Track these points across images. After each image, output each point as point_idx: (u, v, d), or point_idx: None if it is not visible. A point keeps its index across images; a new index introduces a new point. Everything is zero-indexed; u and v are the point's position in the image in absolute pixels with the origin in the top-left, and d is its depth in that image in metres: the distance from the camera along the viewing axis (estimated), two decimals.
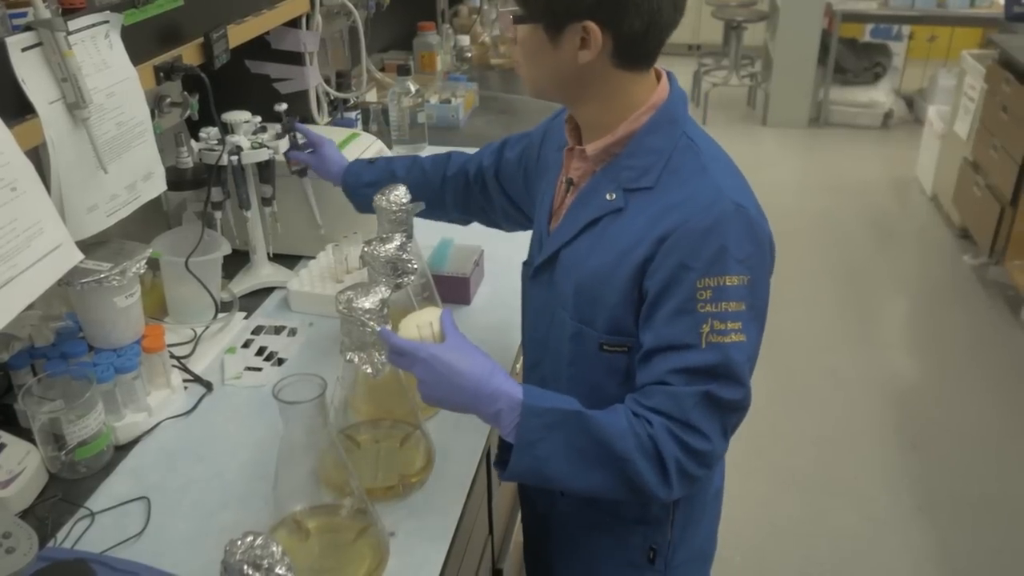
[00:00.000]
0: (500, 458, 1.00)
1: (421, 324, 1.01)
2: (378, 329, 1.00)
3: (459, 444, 1.21)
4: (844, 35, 5.41)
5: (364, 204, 1.40)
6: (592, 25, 0.95)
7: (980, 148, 3.74)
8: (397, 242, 1.17)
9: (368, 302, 1.01)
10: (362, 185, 1.42)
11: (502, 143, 1.39)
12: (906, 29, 5.74)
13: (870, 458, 2.70)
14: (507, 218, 1.40)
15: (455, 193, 1.40)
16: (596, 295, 1.03)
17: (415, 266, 1.17)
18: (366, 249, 1.16)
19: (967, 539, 2.42)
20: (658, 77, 1.07)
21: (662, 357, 0.96)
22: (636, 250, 0.98)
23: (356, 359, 1.02)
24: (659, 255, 0.96)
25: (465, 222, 1.48)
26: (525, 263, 1.24)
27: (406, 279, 1.17)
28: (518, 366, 1.43)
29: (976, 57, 3.93)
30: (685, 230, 0.95)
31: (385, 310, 1.02)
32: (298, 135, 1.52)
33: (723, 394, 0.95)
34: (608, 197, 1.03)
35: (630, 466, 0.94)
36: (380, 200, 1.27)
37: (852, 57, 5.49)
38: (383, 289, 1.03)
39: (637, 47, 0.99)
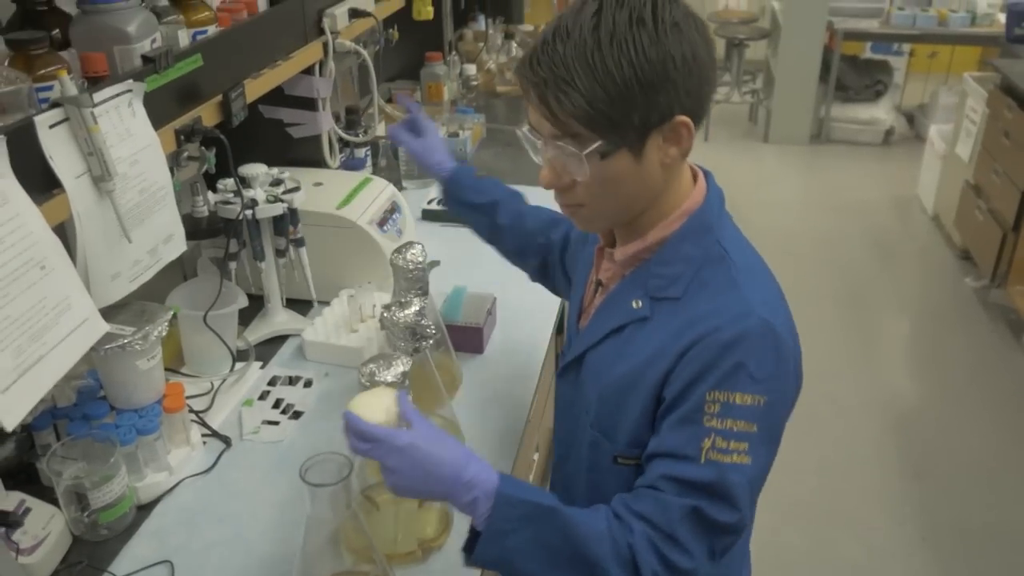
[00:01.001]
0: (468, 543, 0.94)
1: (387, 408, 0.95)
2: (343, 412, 0.95)
3: None
4: (845, 52, 5.44)
5: (456, 212, 1.44)
6: (684, 118, 0.92)
7: (982, 172, 3.76)
8: (416, 307, 1.19)
9: (390, 375, 1.03)
10: (462, 203, 1.41)
11: (566, 228, 1.36)
12: (907, 45, 5.77)
13: (872, 487, 2.72)
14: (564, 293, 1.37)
15: (537, 255, 1.37)
16: (618, 406, 1.00)
17: (433, 331, 1.19)
18: (385, 315, 1.18)
19: (972, 571, 2.44)
20: (694, 176, 1.04)
21: (659, 462, 0.92)
22: (659, 363, 0.95)
23: None
24: (679, 366, 0.93)
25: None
26: (560, 356, 1.24)
27: (424, 344, 1.18)
28: (530, 416, 1.45)
29: (978, 80, 3.95)
30: (707, 342, 0.91)
31: (406, 383, 1.04)
32: (405, 111, 1.51)
33: (714, 514, 0.89)
34: (634, 305, 1.00)
35: (600, 572, 0.88)
36: (396, 259, 1.29)
37: (853, 74, 5.52)
38: (405, 360, 1.05)
39: (700, 123, 0.96)
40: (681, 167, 1.00)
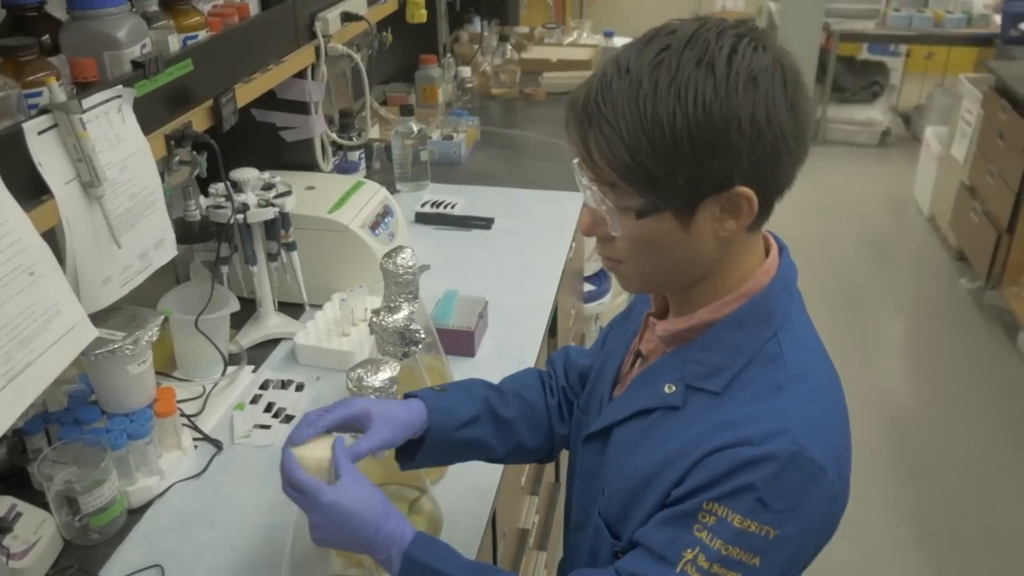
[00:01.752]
0: None
1: (321, 460, 0.92)
2: (283, 450, 0.92)
3: (464, 508, 1.23)
4: (842, 53, 5.45)
5: (463, 451, 1.09)
6: (746, 191, 0.78)
7: (977, 173, 3.77)
8: (405, 312, 1.19)
9: (377, 381, 1.03)
10: (462, 425, 1.06)
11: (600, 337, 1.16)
12: (903, 46, 5.78)
13: (867, 489, 2.73)
14: None
15: (560, 416, 1.16)
16: (627, 502, 0.89)
17: (423, 336, 1.19)
18: (374, 319, 1.18)
19: (965, 573, 2.44)
20: (767, 247, 0.90)
21: (637, 555, 0.84)
22: (678, 464, 0.83)
23: None
24: (694, 469, 0.81)
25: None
26: (579, 408, 1.08)
27: (413, 348, 1.19)
28: None
29: (973, 81, 3.96)
30: (727, 454, 0.79)
31: (393, 388, 1.04)
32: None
33: None
34: (667, 389, 0.87)
35: None
36: (387, 263, 1.29)
37: (850, 76, 5.52)
38: (393, 366, 1.06)
39: (772, 203, 0.83)
40: (747, 240, 0.86)
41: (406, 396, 1.06)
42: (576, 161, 0.86)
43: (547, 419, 1.14)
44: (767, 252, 0.90)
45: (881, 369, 3.36)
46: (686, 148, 0.76)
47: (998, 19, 4.91)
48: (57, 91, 1.04)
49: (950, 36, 5.17)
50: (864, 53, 5.90)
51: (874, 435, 2.94)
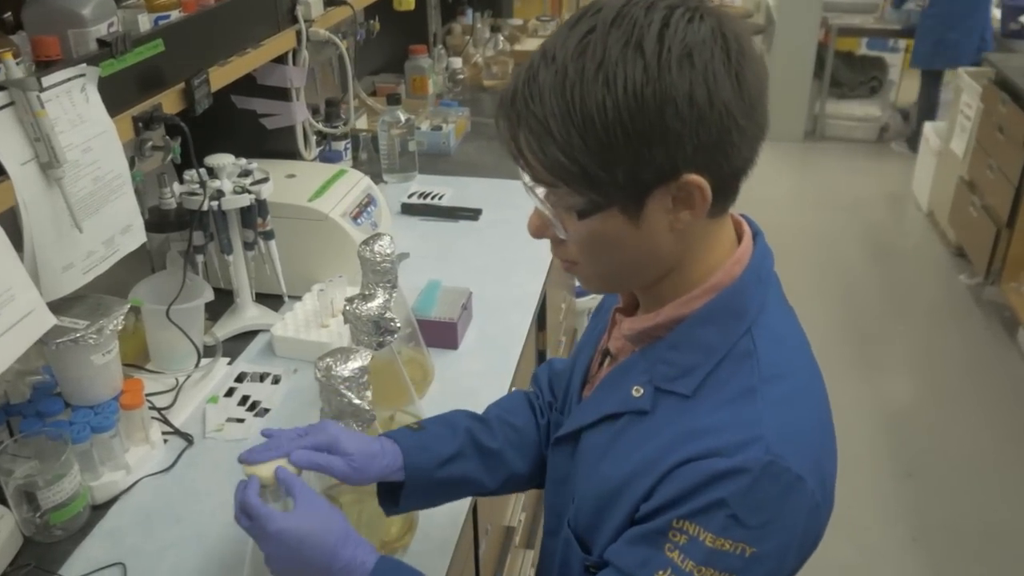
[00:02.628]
0: None
1: (267, 479, 0.86)
2: (243, 478, 0.87)
3: (444, 505, 1.18)
4: (840, 48, 5.40)
5: (448, 490, 1.03)
6: (696, 178, 0.71)
7: (976, 168, 3.72)
8: (380, 300, 1.14)
9: (347, 370, 0.98)
10: (444, 462, 0.99)
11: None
12: (902, 42, 5.73)
13: (865, 486, 2.68)
14: None
15: (549, 428, 1.08)
16: (596, 514, 0.83)
17: (398, 325, 1.14)
18: (348, 308, 1.13)
19: (963, 571, 2.40)
20: (739, 234, 0.83)
21: (606, 573, 0.79)
22: (646, 477, 0.77)
23: None
24: (663, 483, 0.75)
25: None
26: (556, 409, 1.04)
27: (389, 338, 1.14)
28: None
29: (972, 75, 3.92)
30: (696, 467, 0.73)
31: (364, 377, 1.00)
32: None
33: None
34: (635, 392, 0.81)
35: None
36: (364, 251, 1.25)
37: (848, 71, 5.48)
38: (364, 355, 1.01)
39: (733, 186, 0.76)
40: (712, 229, 0.78)
41: (382, 435, 1.00)
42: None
43: (538, 443, 1.06)
44: (740, 238, 0.83)
45: (879, 366, 3.31)
46: (620, 140, 0.69)
47: (997, 14, 4.86)
48: (13, 67, 1.00)
49: None
50: (863, 49, 5.86)
51: (871, 432, 2.89)
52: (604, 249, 0.77)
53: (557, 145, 0.71)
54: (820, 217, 4.48)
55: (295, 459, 0.88)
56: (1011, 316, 3.48)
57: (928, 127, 4.45)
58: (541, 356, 2.04)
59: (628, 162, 0.70)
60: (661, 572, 0.74)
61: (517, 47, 3.24)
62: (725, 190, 0.75)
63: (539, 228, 0.81)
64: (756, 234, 0.84)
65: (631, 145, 0.69)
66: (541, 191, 0.76)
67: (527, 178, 0.77)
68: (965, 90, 3.92)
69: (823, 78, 5.34)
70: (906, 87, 5.87)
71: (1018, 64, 3.56)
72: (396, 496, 0.99)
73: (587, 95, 0.69)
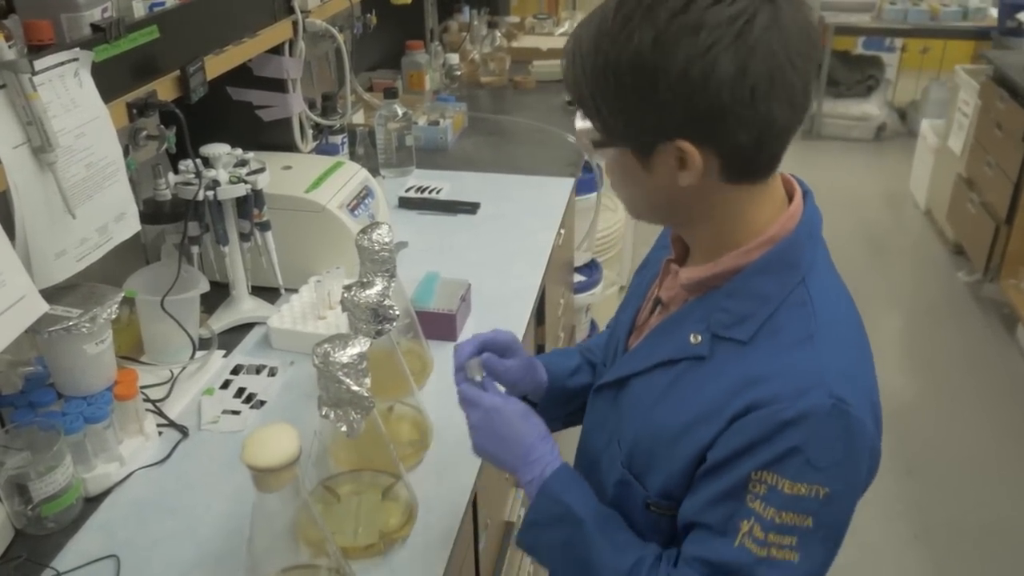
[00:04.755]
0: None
1: (284, 449, 0.85)
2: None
3: (443, 495, 1.17)
4: (837, 48, 5.39)
5: (576, 399, 1.11)
6: (687, 145, 0.77)
7: (974, 164, 3.71)
8: (379, 287, 1.13)
9: (345, 356, 0.96)
10: (572, 373, 1.12)
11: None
12: (899, 41, 5.73)
13: None
14: None
15: None
16: (654, 454, 0.87)
17: (396, 312, 1.13)
18: (346, 295, 1.11)
19: (965, 568, 2.39)
20: (790, 194, 0.87)
21: (696, 535, 0.83)
22: (708, 424, 0.81)
23: (332, 415, 0.98)
24: (728, 431, 0.79)
25: None
26: (600, 363, 1.08)
27: (387, 326, 1.12)
28: None
29: (970, 72, 3.91)
30: (763, 415, 0.77)
31: (364, 364, 0.98)
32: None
33: None
34: (692, 339, 0.85)
35: None
36: (362, 239, 1.23)
37: (845, 70, 5.47)
38: (362, 341, 0.99)
39: (749, 160, 0.80)
40: (744, 191, 0.82)
41: None
42: None
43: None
44: (791, 197, 0.87)
45: (878, 364, 3.24)
46: (622, 95, 0.77)
47: (994, 12, 4.86)
48: (5, 49, 0.98)
49: (946, 29, 5.11)
50: (859, 48, 5.85)
51: None
52: (622, 179, 0.86)
53: (577, 82, 0.80)
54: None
55: (485, 361, 1.02)
56: (1010, 313, 3.47)
57: (925, 125, 4.44)
58: (540, 350, 2.02)
59: (626, 116, 0.78)
60: (745, 522, 0.79)
61: (515, 44, 3.22)
62: (738, 164, 0.79)
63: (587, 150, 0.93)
64: (806, 193, 0.88)
65: (629, 102, 0.77)
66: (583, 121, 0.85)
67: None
68: (963, 87, 3.91)
69: (820, 77, 5.33)
70: (903, 86, 5.87)
71: (1016, 61, 3.55)
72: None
73: (609, 46, 0.76)
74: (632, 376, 0.92)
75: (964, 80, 3.90)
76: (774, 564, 0.78)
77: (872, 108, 5.44)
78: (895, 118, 5.64)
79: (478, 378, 1.01)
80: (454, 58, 2.91)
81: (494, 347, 1.06)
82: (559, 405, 1.11)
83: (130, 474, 1.19)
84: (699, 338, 0.85)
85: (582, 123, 0.84)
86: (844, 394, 0.78)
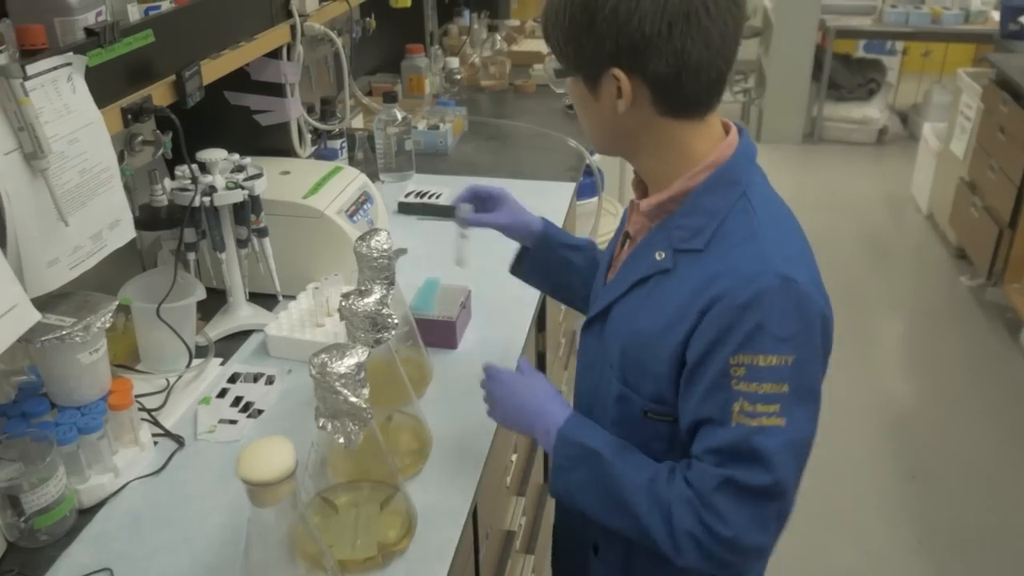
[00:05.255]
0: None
1: (278, 464, 0.82)
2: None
3: (442, 506, 1.15)
4: (838, 51, 5.38)
5: (546, 258, 1.34)
6: (619, 72, 0.93)
7: (977, 168, 3.70)
8: (377, 295, 1.11)
9: (343, 367, 0.94)
10: (562, 244, 1.33)
11: None
12: (900, 44, 5.72)
13: (868, 489, 2.65)
14: None
15: None
16: (641, 361, 1.01)
17: (395, 321, 1.11)
18: (344, 303, 1.10)
19: (968, 575, 2.37)
20: (727, 131, 1.02)
21: (702, 432, 0.95)
22: (682, 322, 0.95)
23: (329, 427, 0.96)
24: (699, 328, 0.93)
25: None
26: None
27: (386, 335, 1.11)
28: None
29: (972, 76, 3.89)
30: (724, 304, 0.91)
31: (361, 374, 0.96)
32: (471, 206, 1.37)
33: (746, 480, 0.90)
34: (657, 257, 1.00)
35: (640, 523, 0.96)
36: (360, 246, 1.21)
37: (846, 73, 5.46)
38: (360, 351, 0.97)
39: (673, 93, 0.95)
40: (679, 124, 0.98)
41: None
42: None
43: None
44: (727, 134, 1.02)
45: (881, 369, 3.28)
46: (573, 27, 0.94)
47: (996, 16, 4.85)
48: None
49: (948, 32, 5.10)
50: (860, 52, 5.84)
51: (874, 436, 2.86)
52: (580, 108, 1.03)
53: (552, 24, 0.97)
54: (819, 219, 4.45)
55: (473, 219, 1.33)
56: (1014, 317, 3.45)
57: (927, 128, 4.43)
58: (541, 357, 2.00)
59: (573, 47, 0.96)
60: (736, 404, 0.91)
61: (515, 48, 3.21)
62: (664, 95, 0.94)
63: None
64: (741, 131, 1.03)
65: (575, 35, 0.94)
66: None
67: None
68: (965, 91, 3.90)
69: (821, 80, 5.32)
70: (904, 90, 5.86)
71: (1019, 64, 3.53)
72: (522, 260, 1.38)
73: None
74: (613, 304, 1.06)
75: (967, 83, 3.88)
76: (766, 431, 0.90)
77: (873, 112, 5.43)
78: (896, 121, 5.63)
79: (468, 217, 1.31)
80: (454, 62, 2.89)
81: (485, 196, 1.35)
82: (539, 264, 1.35)
83: (124, 485, 1.17)
84: (663, 255, 0.99)
85: (549, 59, 1.03)
86: (789, 272, 0.91)
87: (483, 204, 1.38)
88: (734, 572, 1.03)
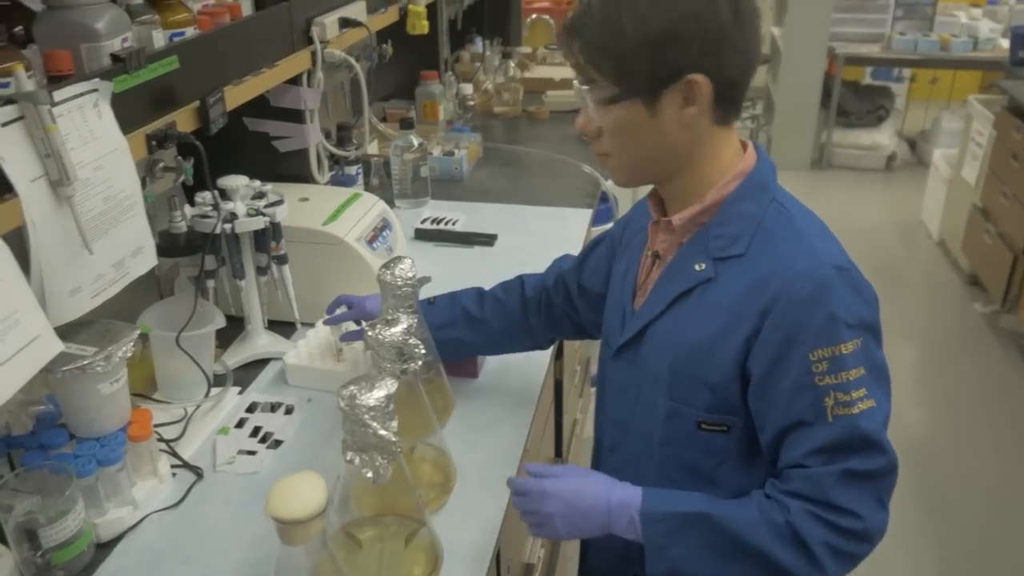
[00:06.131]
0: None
1: (308, 500, 0.80)
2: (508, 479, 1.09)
3: (468, 541, 1.12)
4: (846, 78, 5.39)
5: (447, 349, 1.33)
6: (698, 76, 0.93)
7: (989, 195, 3.68)
8: (403, 325, 1.09)
9: (372, 399, 0.92)
10: (435, 328, 1.31)
11: (585, 248, 1.33)
12: (907, 71, 5.73)
13: (889, 521, 2.60)
14: (595, 322, 1.28)
15: (538, 311, 1.33)
16: (695, 372, 1.00)
17: (422, 351, 1.09)
18: (369, 333, 1.08)
19: None
20: (744, 148, 1.05)
21: (794, 437, 0.94)
22: (739, 326, 0.95)
23: (357, 460, 0.94)
24: (764, 329, 0.93)
25: (550, 343, 1.41)
26: (604, 343, 1.20)
27: (412, 365, 1.08)
28: (528, 445, 1.34)
29: (983, 102, 3.89)
30: (788, 300, 0.92)
31: (391, 407, 0.94)
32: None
33: (865, 466, 0.91)
34: (697, 268, 1.00)
35: (769, 558, 0.93)
36: (384, 274, 1.20)
37: (854, 99, 5.46)
38: (389, 383, 0.95)
39: (732, 97, 0.97)
40: (719, 134, 0.99)
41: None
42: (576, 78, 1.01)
43: (520, 312, 1.33)
44: (745, 151, 1.04)
45: (896, 397, 3.17)
46: (641, 42, 0.92)
47: (1004, 43, 4.86)
48: (24, 80, 0.95)
49: (956, 60, 5.10)
50: (867, 79, 5.85)
51: None
52: (627, 137, 0.99)
53: (595, 44, 0.94)
54: None
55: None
56: None
57: (937, 155, 4.42)
58: (558, 385, 1.98)
59: (648, 61, 0.92)
60: (827, 398, 0.91)
61: (527, 75, 3.21)
62: (725, 97, 0.96)
63: (582, 123, 1.02)
64: (756, 145, 1.05)
65: (651, 47, 0.92)
66: (585, 88, 0.98)
67: (577, 83, 1.00)
68: (976, 117, 3.89)
69: (830, 107, 5.32)
70: (912, 117, 5.86)
71: None
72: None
73: (622, 7, 0.92)
74: (649, 325, 1.05)
75: (978, 110, 3.88)
76: (866, 415, 0.91)
77: (883, 138, 5.43)
78: (905, 148, 5.62)
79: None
80: (467, 88, 2.89)
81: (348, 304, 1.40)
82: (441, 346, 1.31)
83: (143, 518, 1.15)
84: (703, 265, 1.00)
85: (588, 102, 0.99)
86: (840, 262, 0.94)
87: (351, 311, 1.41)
88: None
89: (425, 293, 1.64)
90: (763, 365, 0.94)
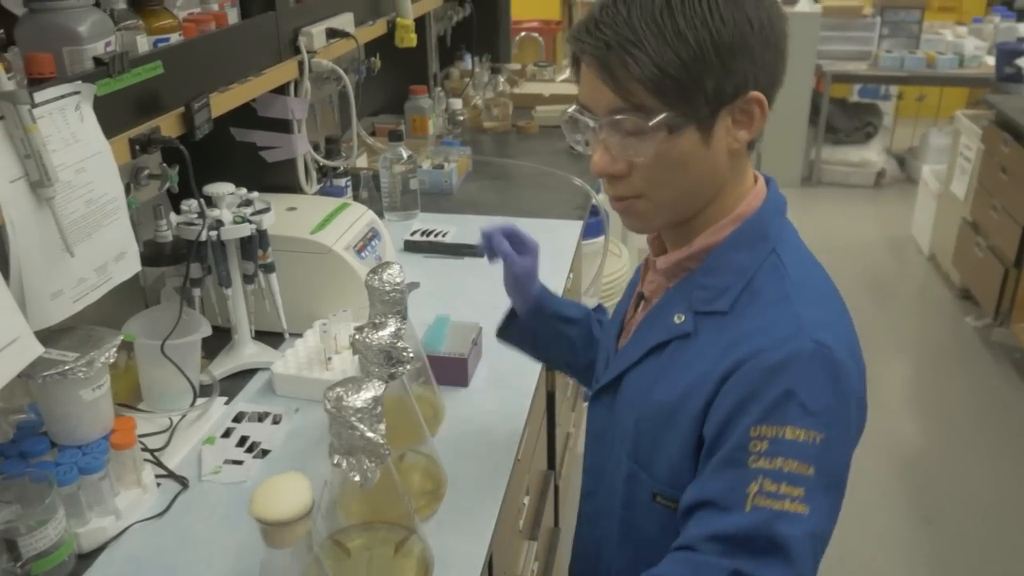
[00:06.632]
0: None
1: (294, 501, 0.78)
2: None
3: (459, 549, 1.10)
4: (834, 95, 5.42)
5: (538, 329, 1.21)
6: (758, 94, 0.83)
7: (979, 209, 3.69)
8: (391, 328, 1.07)
9: (359, 400, 0.90)
10: (557, 316, 1.20)
11: None
12: (894, 89, 5.77)
13: (883, 534, 2.58)
14: None
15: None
16: (656, 436, 0.89)
17: (411, 355, 1.07)
18: (357, 337, 1.06)
19: None
20: (755, 180, 0.93)
21: (699, 516, 0.80)
22: (700, 390, 0.83)
23: (344, 464, 0.92)
24: (719, 395, 0.81)
25: None
26: (594, 381, 1.11)
27: (401, 368, 1.07)
28: (519, 455, 1.32)
29: (971, 117, 3.91)
30: (749, 366, 0.79)
31: (378, 409, 0.92)
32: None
33: (760, 573, 0.75)
34: (676, 320, 0.89)
35: None
36: (372, 280, 1.18)
37: (843, 117, 5.50)
38: (376, 385, 0.93)
39: (765, 116, 0.87)
40: (744, 163, 0.90)
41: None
42: (572, 109, 0.88)
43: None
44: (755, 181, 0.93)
45: (889, 412, 3.23)
46: (711, 54, 0.79)
47: (990, 60, 4.90)
48: (4, 80, 0.94)
49: (943, 77, 5.15)
50: (855, 96, 5.89)
51: (886, 479, 2.80)
52: (675, 171, 0.85)
53: (653, 61, 0.79)
54: (820, 262, 4.43)
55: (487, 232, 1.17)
56: (1021, 357, 3.42)
57: (926, 170, 4.44)
58: (550, 397, 1.96)
59: (717, 74, 0.80)
60: (753, 483, 0.77)
61: (516, 91, 3.22)
62: (765, 119, 0.86)
63: (605, 164, 0.86)
64: (769, 180, 0.95)
65: (720, 58, 0.79)
66: (619, 118, 0.83)
67: (602, 114, 0.84)
68: (964, 132, 3.92)
69: (818, 124, 5.35)
70: (900, 134, 5.89)
71: (1018, 104, 3.56)
72: (509, 324, 1.25)
73: (678, 18, 0.78)
74: (626, 372, 0.95)
75: (965, 125, 3.90)
76: (788, 518, 0.76)
77: (872, 155, 5.46)
78: (893, 164, 5.65)
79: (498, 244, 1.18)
80: (457, 103, 2.89)
81: (520, 240, 1.18)
82: (526, 330, 1.23)
83: (126, 528, 1.12)
84: (683, 317, 0.89)
85: (624, 130, 0.84)
86: (824, 339, 0.80)
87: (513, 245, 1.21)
88: None
89: (414, 301, 1.62)
90: (710, 433, 0.81)
